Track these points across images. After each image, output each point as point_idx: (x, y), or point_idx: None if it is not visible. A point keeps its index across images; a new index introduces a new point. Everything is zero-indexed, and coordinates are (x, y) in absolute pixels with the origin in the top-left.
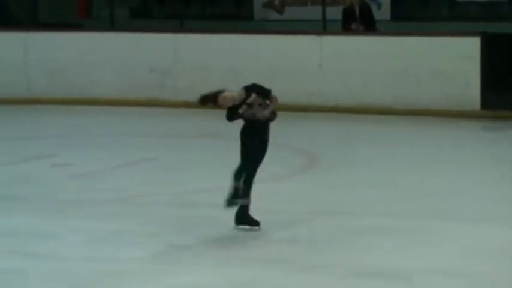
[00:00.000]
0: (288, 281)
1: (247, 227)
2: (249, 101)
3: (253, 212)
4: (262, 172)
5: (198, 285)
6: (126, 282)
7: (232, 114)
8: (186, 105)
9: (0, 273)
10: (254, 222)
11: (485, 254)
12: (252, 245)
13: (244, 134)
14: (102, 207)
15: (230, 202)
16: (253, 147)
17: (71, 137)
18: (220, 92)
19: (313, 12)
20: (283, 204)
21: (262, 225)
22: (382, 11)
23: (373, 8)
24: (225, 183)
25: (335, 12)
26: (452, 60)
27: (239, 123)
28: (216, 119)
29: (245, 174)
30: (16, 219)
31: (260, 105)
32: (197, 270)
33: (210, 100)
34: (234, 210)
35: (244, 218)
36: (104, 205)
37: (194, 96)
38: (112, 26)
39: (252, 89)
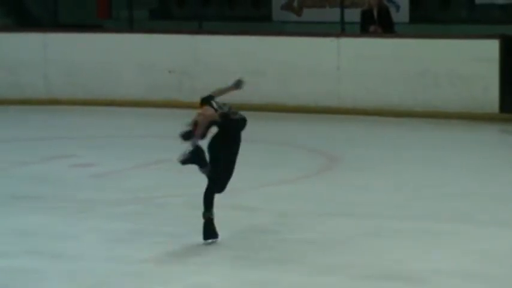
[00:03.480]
0: (305, 282)
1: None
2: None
3: (271, 213)
4: (279, 173)
5: (214, 286)
6: (144, 282)
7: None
8: None
9: (19, 273)
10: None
11: (502, 257)
12: (269, 246)
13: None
14: (120, 208)
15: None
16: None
17: (89, 137)
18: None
19: (332, 14)
20: (300, 205)
21: (279, 226)
22: (401, 14)
23: (392, 10)
24: (242, 185)
25: (353, 15)
26: (471, 63)
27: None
28: None
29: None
30: (35, 219)
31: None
32: (214, 271)
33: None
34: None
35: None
36: (122, 205)
37: None
38: (131, 27)
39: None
